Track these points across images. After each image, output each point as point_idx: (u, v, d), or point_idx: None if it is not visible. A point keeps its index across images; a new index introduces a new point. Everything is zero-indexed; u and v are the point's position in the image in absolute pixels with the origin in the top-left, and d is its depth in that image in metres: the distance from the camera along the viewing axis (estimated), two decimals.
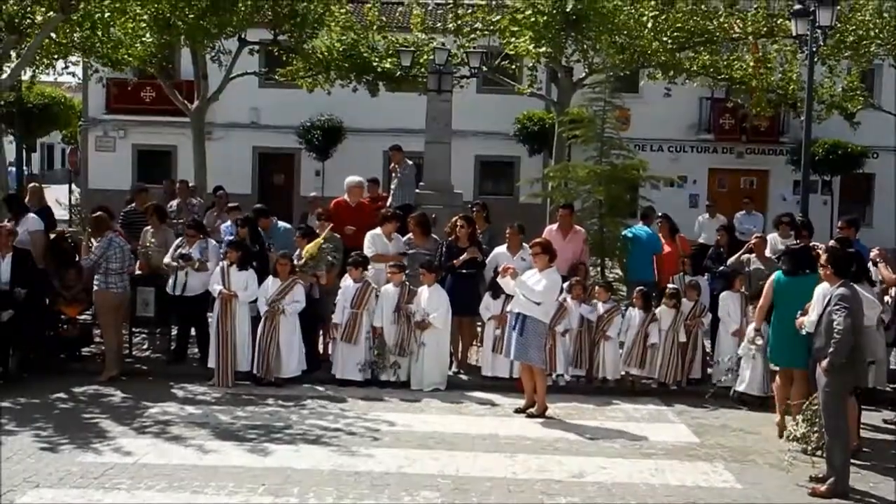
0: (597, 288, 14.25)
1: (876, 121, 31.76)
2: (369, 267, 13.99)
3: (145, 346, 15.22)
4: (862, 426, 11.48)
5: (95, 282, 13.51)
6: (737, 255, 14.92)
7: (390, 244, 14.55)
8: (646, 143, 33.38)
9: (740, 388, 12.98)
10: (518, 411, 12.44)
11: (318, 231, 14.57)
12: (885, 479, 10.25)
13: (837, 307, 9.62)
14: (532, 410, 12.28)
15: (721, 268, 15.15)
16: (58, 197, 31.94)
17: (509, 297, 12.81)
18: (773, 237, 15.49)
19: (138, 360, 14.62)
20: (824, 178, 35.54)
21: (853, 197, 36.74)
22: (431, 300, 13.39)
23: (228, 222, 15.95)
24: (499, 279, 12.83)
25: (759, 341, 12.00)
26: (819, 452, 10.16)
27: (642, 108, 32.23)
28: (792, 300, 10.94)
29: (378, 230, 14.66)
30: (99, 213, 14.26)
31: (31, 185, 18.76)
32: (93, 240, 13.78)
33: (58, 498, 8.92)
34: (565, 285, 13.73)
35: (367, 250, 14.33)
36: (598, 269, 15.79)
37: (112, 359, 13.55)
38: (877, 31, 25.38)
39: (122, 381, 13.32)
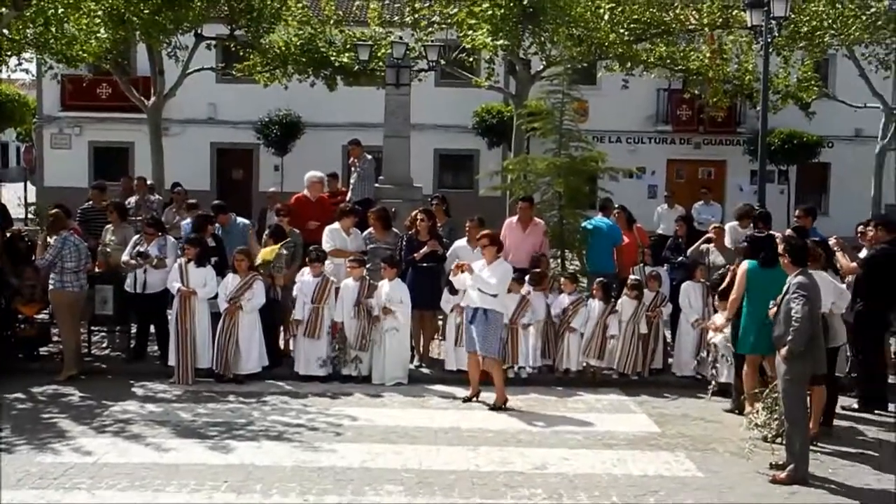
0: (562, 279, 14.29)
1: (830, 110, 32.08)
2: (328, 262, 13.95)
3: (104, 345, 15.08)
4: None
5: (51, 281, 13.36)
6: (696, 245, 15.03)
7: (349, 239, 14.53)
8: (604, 135, 33.48)
9: (722, 379, 12.83)
10: (466, 400, 12.56)
11: (283, 227, 14.50)
12: (844, 464, 10.37)
13: (796, 295, 9.71)
14: (493, 402, 12.32)
15: (680, 258, 15.25)
16: (20, 195, 31.63)
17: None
18: (731, 227, 15.59)
19: (97, 358, 14.48)
20: (781, 168, 35.85)
21: (809, 186, 37.09)
22: (392, 294, 13.37)
23: (189, 219, 15.81)
24: (451, 276, 12.85)
25: (728, 331, 12.04)
26: (779, 440, 10.26)
27: (600, 100, 32.28)
28: (765, 290, 10.82)
29: (336, 225, 14.63)
30: (56, 210, 14.12)
31: None
32: (49, 238, 13.63)
33: (17, 499, 8.82)
34: (527, 278, 13.79)
35: (326, 245, 14.30)
36: (559, 261, 15.82)
37: (71, 358, 13.42)
38: (830, 21, 25.60)
39: (81, 381, 13.19)
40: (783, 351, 9.77)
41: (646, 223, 18.74)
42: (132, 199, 18.67)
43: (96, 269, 14.44)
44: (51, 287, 13.41)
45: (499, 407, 12.24)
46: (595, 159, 16.16)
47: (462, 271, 12.41)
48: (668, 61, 26.64)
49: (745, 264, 11.50)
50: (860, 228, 13.96)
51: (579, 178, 15.88)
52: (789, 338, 9.66)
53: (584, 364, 13.90)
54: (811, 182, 37.35)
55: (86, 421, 11.33)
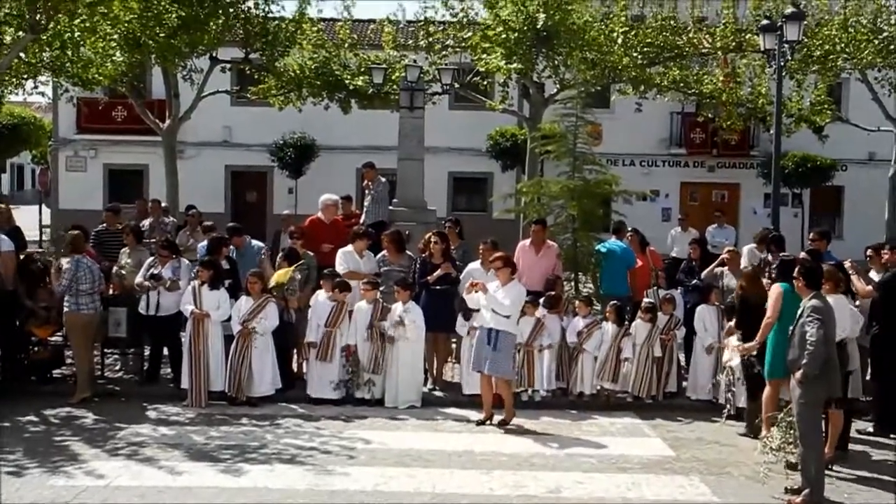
0: (577, 302, 14.26)
1: (844, 134, 32.07)
2: None
3: (118, 367, 15.06)
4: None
5: (66, 303, 13.36)
6: (710, 269, 14.98)
7: (362, 261, 14.54)
8: (618, 158, 33.50)
9: (740, 403, 12.73)
10: (480, 423, 12.54)
11: (297, 249, 14.52)
12: (860, 488, 10.30)
13: (810, 319, 9.66)
14: (501, 419, 12.40)
15: (694, 281, 15.20)
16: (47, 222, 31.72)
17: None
18: (749, 249, 15.54)
19: (111, 381, 14.47)
20: (794, 191, 35.83)
21: (823, 209, 37.11)
22: (405, 317, 13.34)
23: (204, 242, 15.84)
24: (464, 294, 12.85)
25: (754, 353, 11.91)
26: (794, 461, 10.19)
27: (614, 123, 32.31)
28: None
29: (350, 247, 14.64)
30: (77, 232, 14.14)
31: None
32: (62, 260, 13.66)
33: None
34: (541, 301, 13.78)
35: (339, 268, 14.30)
36: (572, 283, 15.79)
37: (84, 380, 13.41)
38: (843, 45, 25.60)
39: (94, 403, 13.19)
40: (798, 374, 9.72)
41: (659, 246, 18.70)
42: (146, 222, 18.71)
43: (111, 292, 14.46)
44: (66, 309, 13.41)
45: (506, 423, 12.31)
46: (609, 182, 16.15)
47: (476, 290, 12.41)
48: (682, 85, 26.68)
49: (779, 287, 11.25)
50: (869, 252, 13.89)
51: (593, 201, 15.86)
52: (804, 361, 9.62)
53: (598, 387, 13.85)
54: (825, 205, 37.34)
55: (98, 444, 11.32)
